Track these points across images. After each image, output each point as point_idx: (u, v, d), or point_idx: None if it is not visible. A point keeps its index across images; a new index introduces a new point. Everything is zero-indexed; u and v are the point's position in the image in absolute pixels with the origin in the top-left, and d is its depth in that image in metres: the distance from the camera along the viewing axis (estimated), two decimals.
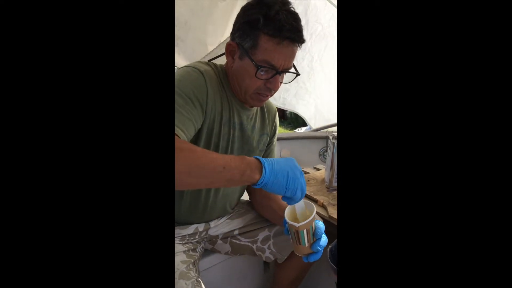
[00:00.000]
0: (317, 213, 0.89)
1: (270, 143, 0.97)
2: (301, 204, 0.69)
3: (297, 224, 0.65)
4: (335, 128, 1.72)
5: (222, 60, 0.87)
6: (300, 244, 0.68)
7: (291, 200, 0.65)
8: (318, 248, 0.68)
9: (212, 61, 0.84)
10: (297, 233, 0.66)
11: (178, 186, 0.54)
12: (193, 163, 0.55)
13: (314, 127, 2.05)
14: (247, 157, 0.61)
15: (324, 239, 0.69)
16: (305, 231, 0.66)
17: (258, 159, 0.61)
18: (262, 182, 0.60)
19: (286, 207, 0.72)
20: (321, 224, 0.70)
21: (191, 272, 0.78)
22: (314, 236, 0.68)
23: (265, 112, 0.93)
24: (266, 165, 0.60)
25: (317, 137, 1.53)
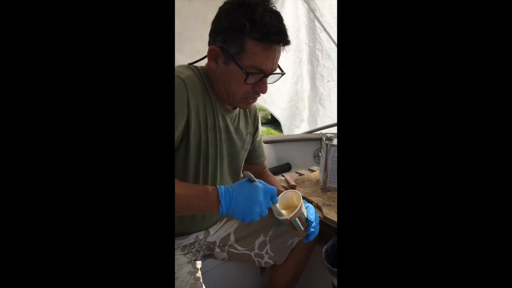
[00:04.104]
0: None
1: (254, 141, 0.96)
2: (284, 197, 0.77)
3: (288, 217, 0.71)
4: (329, 130, 1.73)
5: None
6: (296, 230, 0.75)
7: None
8: (312, 229, 0.75)
9: (193, 64, 0.82)
10: (291, 223, 0.73)
11: None
12: None
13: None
14: (210, 192, 0.66)
15: (315, 221, 0.76)
16: (297, 219, 0.73)
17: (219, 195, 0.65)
18: (221, 215, 0.68)
19: (279, 187, 0.79)
20: (311, 209, 0.77)
21: (198, 282, 0.78)
22: (307, 221, 0.75)
23: (247, 111, 0.92)
24: (223, 205, 0.65)
25: (311, 139, 1.54)
